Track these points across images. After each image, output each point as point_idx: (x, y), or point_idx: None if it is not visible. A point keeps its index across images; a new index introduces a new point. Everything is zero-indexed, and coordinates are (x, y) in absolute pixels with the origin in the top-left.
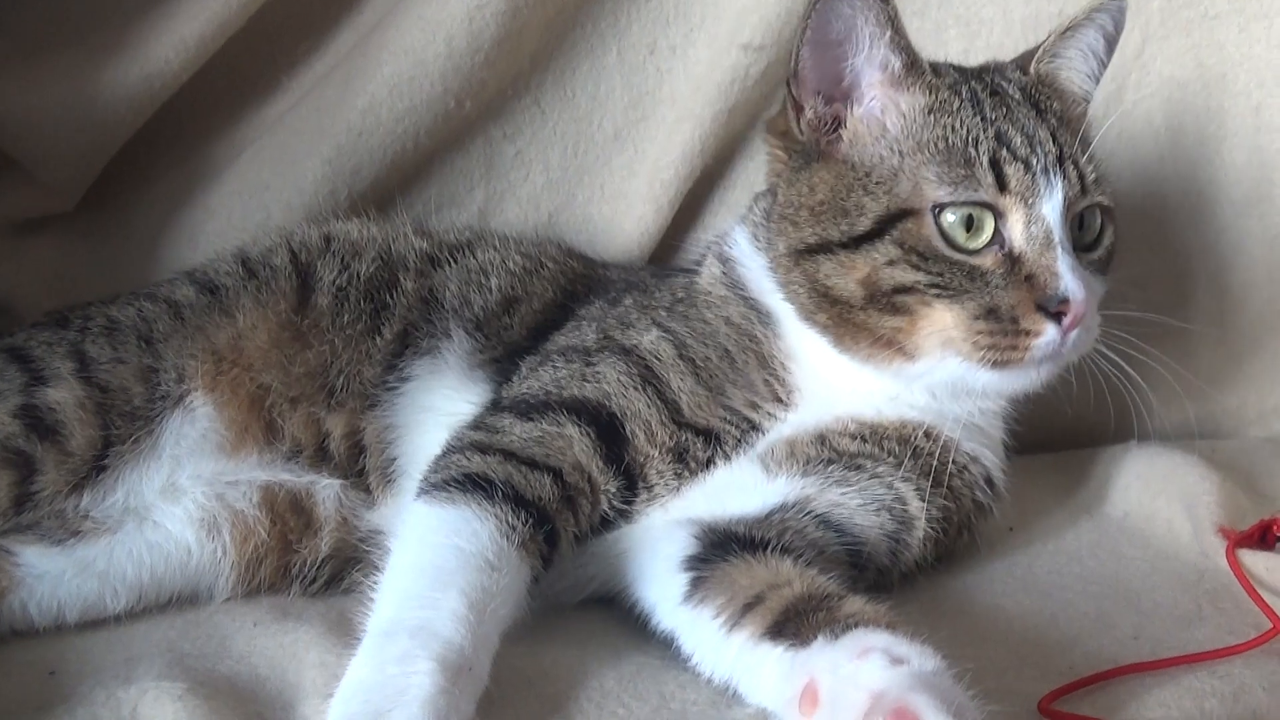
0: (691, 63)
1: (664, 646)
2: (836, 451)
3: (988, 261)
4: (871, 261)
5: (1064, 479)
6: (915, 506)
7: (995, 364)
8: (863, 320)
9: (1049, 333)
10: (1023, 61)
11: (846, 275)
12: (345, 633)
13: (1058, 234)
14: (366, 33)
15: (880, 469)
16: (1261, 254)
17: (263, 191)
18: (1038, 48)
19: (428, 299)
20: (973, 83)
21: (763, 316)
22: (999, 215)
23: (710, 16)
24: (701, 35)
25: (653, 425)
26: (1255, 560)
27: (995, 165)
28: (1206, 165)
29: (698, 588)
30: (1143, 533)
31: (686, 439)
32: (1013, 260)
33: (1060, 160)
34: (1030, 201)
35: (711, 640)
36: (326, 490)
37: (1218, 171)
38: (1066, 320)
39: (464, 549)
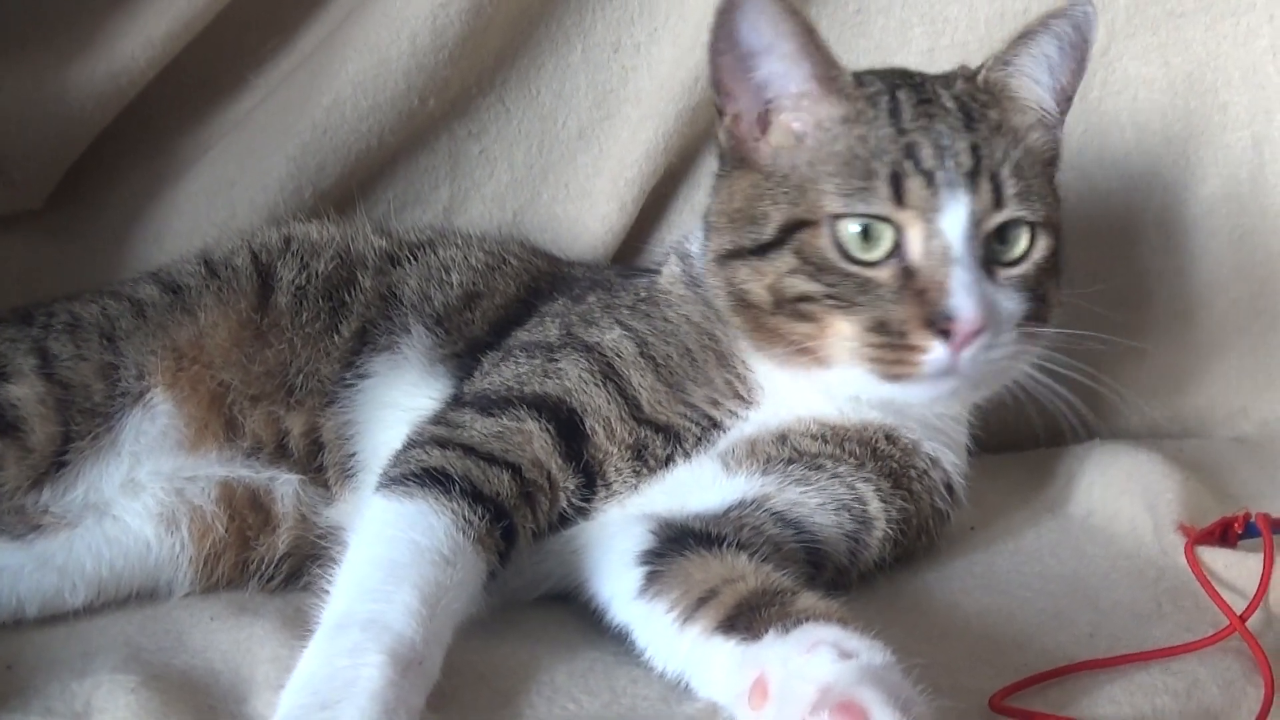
0: (656, 61)
1: (618, 642)
2: (798, 451)
3: (884, 274)
4: (776, 270)
5: (1028, 478)
6: (875, 507)
7: (891, 377)
8: (774, 325)
9: (935, 349)
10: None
11: (757, 281)
12: (300, 628)
13: (958, 249)
14: (332, 30)
15: (841, 469)
16: (1228, 253)
17: (229, 189)
18: None
19: (386, 296)
20: (900, 92)
21: (721, 315)
22: (899, 229)
23: (675, 15)
24: (666, 33)
25: (612, 422)
26: (1215, 558)
27: (895, 178)
28: (1172, 164)
29: (653, 582)
30: (1105, 531)
31: (646, 436)
32: (909, 274)
33: (974, 173)
34: (929, 216)
35: (665, 634)
36: (285, 486)
37: (1184, 170)
38: (955, 339)
39: (419, 543)
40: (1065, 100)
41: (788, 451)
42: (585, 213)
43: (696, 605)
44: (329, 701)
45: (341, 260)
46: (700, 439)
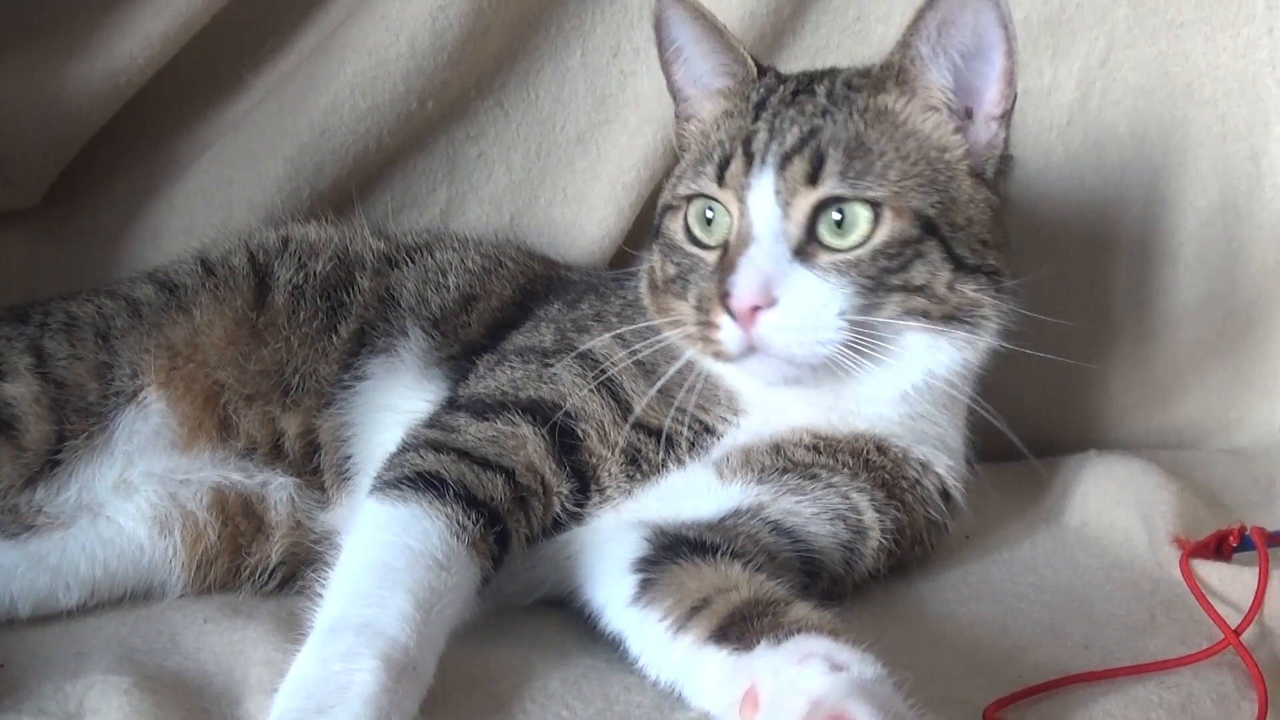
0: (655, 65)
1: (611, 649)
2: (791, 461)
3: (711, 256)
4: (656, 254)
5: (1024, 487)
6: (870, 517)
7: (714, 355)
8: (659, 309)
9: (726, 326)
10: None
11: (652, 268)
12: (294, 631)
13: (758, 226)
14: (330, 31)
15: (835, 479)
16: (1224, 264)
17: (226, 188)
18: None
19: (384, 298)
20: (784, 87)
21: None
22: (728, 210)
23: None
24: None
25: (605, 426)
26: (1209, 571)
27: (724, 161)
28: (1171, 174)
29: (646, 589)
30: (1100, 542)
31: (639, 439)
32: (726, 253)
33: (791, 153)
34: (742, 195)
35: (658, 642)
36: (279, 492)
37: (1182, 180)
38: (738, 316)
39: (413, 548)
40: (977, 86)
41: (782, 461)
42: (582, 217)
43: (690, 614)
44: (323, 706)
45: (339, 261)
46: (694, 444)
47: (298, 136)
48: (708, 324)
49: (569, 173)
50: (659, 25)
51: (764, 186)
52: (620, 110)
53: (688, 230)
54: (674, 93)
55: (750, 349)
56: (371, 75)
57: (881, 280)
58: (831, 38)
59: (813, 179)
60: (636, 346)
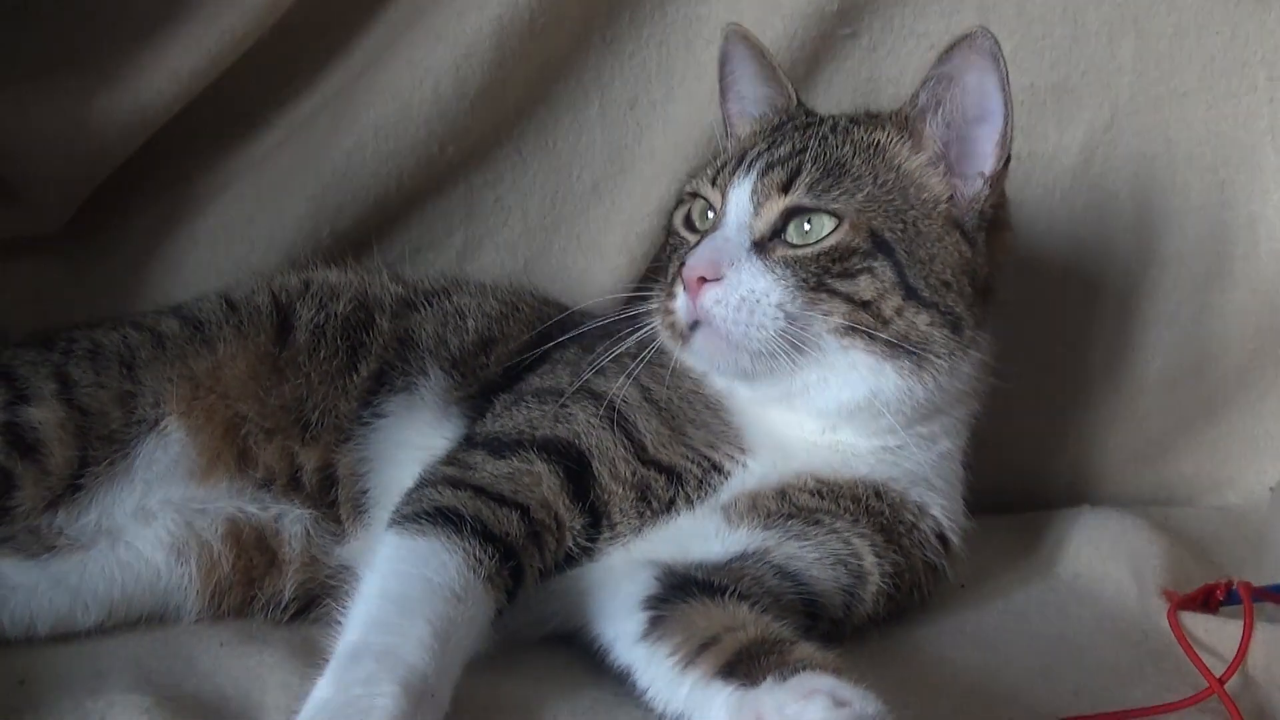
0: (671, 119)
1: (619, 683)
2: (796, 506)
3: (694, 239)
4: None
5: (1019, 540)
6: (870, 562)
7: (669, 330)
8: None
9: (679, 296)
10: None
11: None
12: (309, 657)
13: (728, 219)
14: (355, 75)
15: (838, 524)
16: (1219, 327)
17: (247, 225)
18: None
19: (404, 339)
20: (801, 118)
21: None
22: (712, 205)
23: (691, 75)
24: (681, 92)
25: (618, 463)
26: (1196, 622)
27: (723, 165)
28: (1170, 238)
29: (656, 626)
30: (1092, 594)
31: (650, 476)
32: (701, 238)
33: (773, 163)
34: (725, 193)
35: (666, 677)
36: (294, 525)
37: (1180, 244)
38: (689, 286)
39: (432, 580)
40: (970, 143)
41: (787, 507)
42: (595, 264)
43: (698, 650)
44: None
45: (359, 303)
46: (702, 481)
47: (320, 177)
48: (670, 294)
49: (584, 220)
50: (723, 59)
51: (744, 187)
52: (635, 161)
53: (687, 219)
54: (725, 119)
55: (696, 322)
56: (395, 119)
57: (823, 281)
58: (845, 96)
59: (786, 188)
60: (646, 381)
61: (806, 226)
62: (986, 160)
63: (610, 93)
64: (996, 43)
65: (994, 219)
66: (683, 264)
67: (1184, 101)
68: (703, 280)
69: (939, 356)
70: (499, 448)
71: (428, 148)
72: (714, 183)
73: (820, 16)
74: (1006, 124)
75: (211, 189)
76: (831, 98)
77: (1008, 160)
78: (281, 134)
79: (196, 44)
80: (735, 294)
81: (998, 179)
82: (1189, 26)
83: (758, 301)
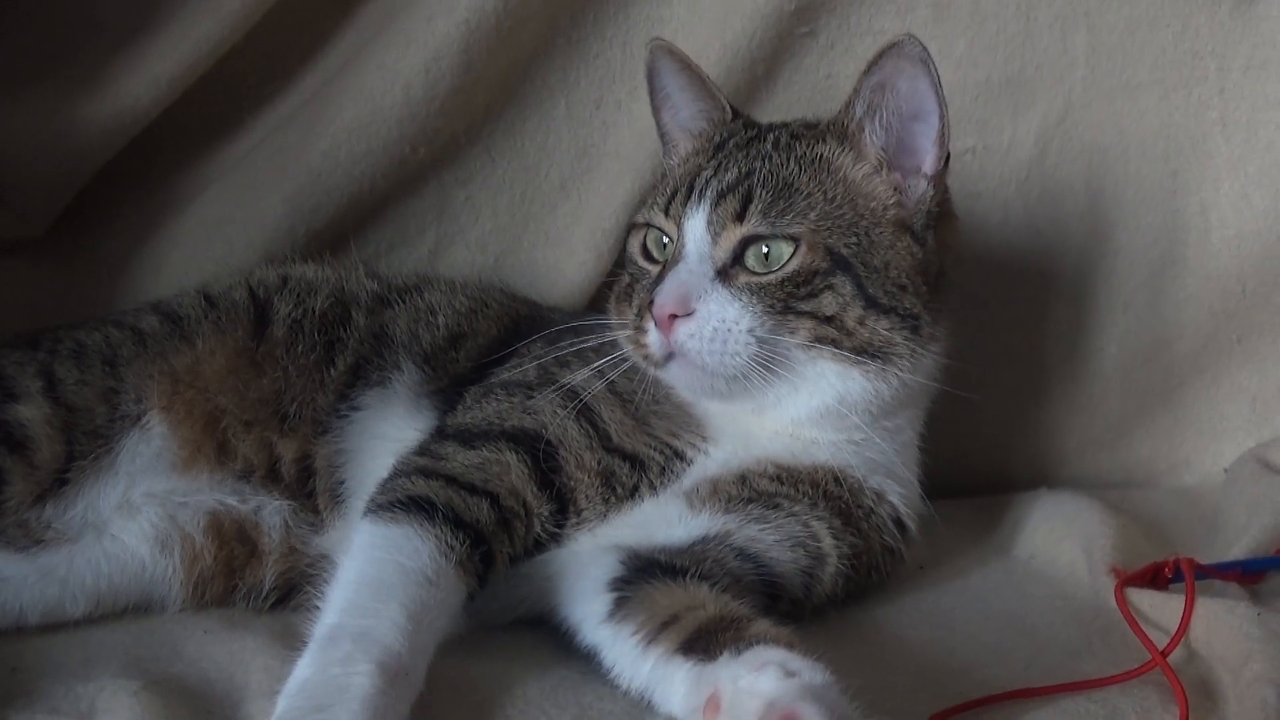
0: (636, 117)
1: (586, 662)
2: (756, 491)
3: (655, 270)
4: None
5: (977, 522)
6: (828, 544)
7: (643, 358)
8: (620, 310)
9: (651, 331)
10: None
11: (621, 277)
12: (289, 642)
13: (687, 249)
14: (329, 78)
15: (797, 508)
16: (1172, 313)
17: (226, 225)
18: None
19: (379, 334)
20: (744, 132)
21: None
22: (668, 234)
23: None
24: (645, 91)
25: (583, 452)
26: (1143, 599)
27: (673, 194)
28: (1124, 226)
29: (620, 607)
30: (1046, 574)
31: (614, 463)
32: (663, 269)
33: (725, 193)
34: (681, 223)
35: (629, 655)
36: (274, 516)
37: (1134, 233)
38: (659, 322)
39: (405, 565)
40: (910, 146)
41: (747, 491)
42: (564, 260)
43: (659, 629)
44: (323, 705)
45: (337, 299)
46: (664, 468)
47: (296, 178)
48: (640, 329)
49: (551, 218)
50: (651, 74)
51: (698, 218)
52: (602, 160)
53: (644, 248)
54: (662, 134)
55: (670, 355)
56: (367, 121)
57: (789, 305)
58: (804, 93)
59: (740, 217)
60: (611, 376)
61: (765, 250)
62: (927, 158)
63: (576, 93)
64: (924, 48)
65: (940, 213)
66: (652, 301)
67: (1136, 93)
68: (673, 317)
69: (901, 356)
70: (469, 438)
71: (400, 149)
72: (667, 212)
73: (779, 15)
74: (943, 121)
75: (190, 191)
76: (791, 95)
77: (948, 158)
78: (258, 136)
79: (174, 50)
80: (708, 326)
81: (940, 177)
82: (1140, 20)
83: (729, 330)
